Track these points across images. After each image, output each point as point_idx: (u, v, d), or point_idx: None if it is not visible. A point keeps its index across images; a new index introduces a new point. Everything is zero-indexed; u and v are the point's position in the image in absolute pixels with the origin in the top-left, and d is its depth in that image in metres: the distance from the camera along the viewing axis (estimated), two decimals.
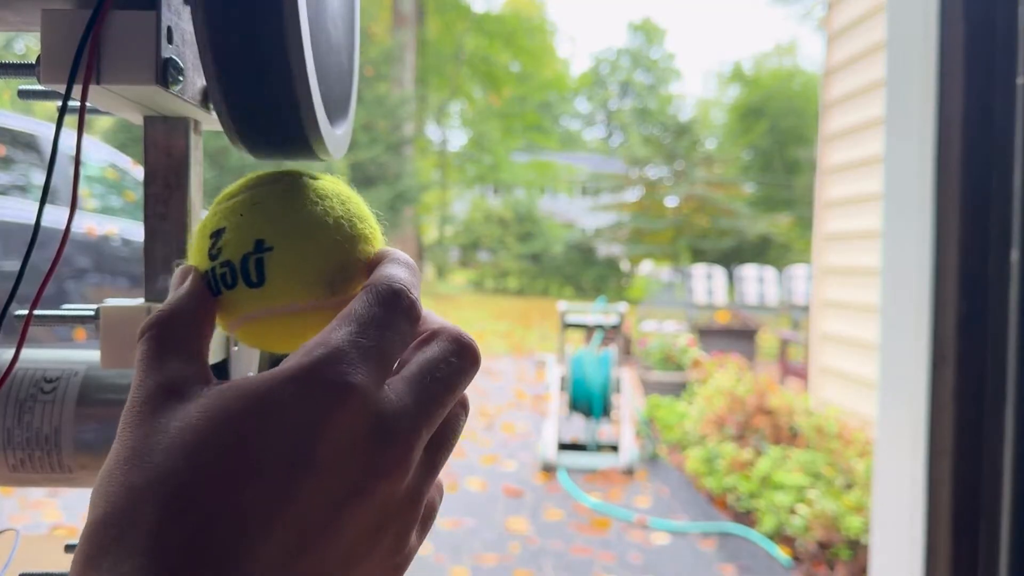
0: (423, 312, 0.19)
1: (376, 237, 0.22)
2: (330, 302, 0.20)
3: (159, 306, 0.19)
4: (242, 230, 0.20)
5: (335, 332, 0.17)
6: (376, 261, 0.20)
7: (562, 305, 3.14)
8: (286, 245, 0.19)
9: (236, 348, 0.32)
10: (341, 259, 0.20)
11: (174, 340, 0.18)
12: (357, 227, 0.21)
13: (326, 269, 0.20)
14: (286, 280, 0.19)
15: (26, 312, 0.28)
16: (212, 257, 0.20)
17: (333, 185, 0.22)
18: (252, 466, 0.15)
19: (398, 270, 0.19)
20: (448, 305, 10.53)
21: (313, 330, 0.18)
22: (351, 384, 0.16)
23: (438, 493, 0.20)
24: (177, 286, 0.20)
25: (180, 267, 0.21)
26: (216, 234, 0.20)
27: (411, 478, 0.17)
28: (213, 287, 0.20)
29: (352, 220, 0.21)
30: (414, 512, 0.18)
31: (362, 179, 9.56)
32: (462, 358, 0.19)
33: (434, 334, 0.19)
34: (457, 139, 18.65)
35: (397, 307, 0.18)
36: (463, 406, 0.20)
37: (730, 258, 12.03)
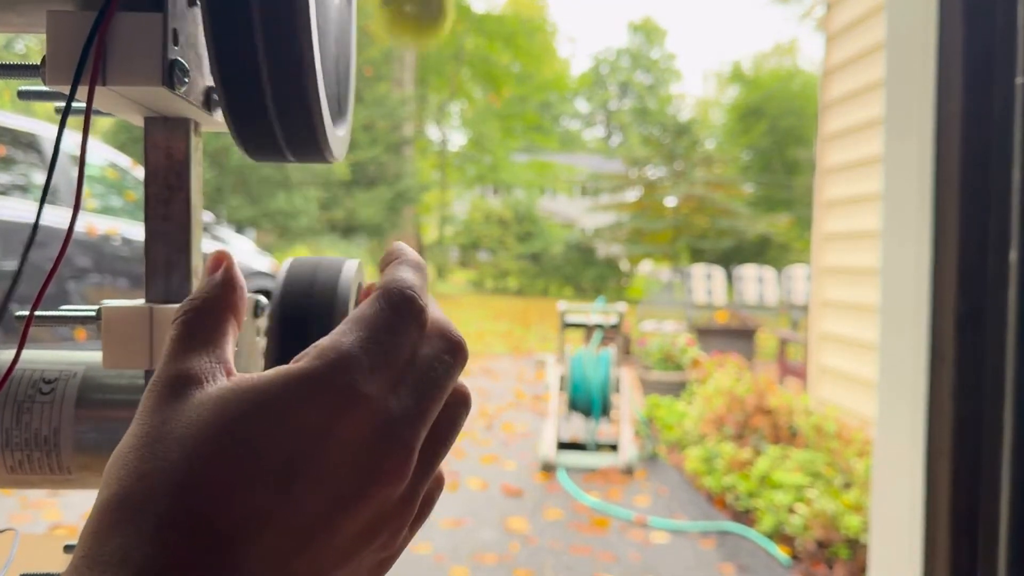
0: None
1: None
2: None
3: (193, 294, 0.20)
4: None
5: (346, 336, 0.17)
6: (387, 259, 0.20)
7: (562, 305, 3.14)
8: None
9: (235, 349, 0.32)
10: None
11: (201, 328, 0.19)
12: None
13: None
14: None
15: (27, 313, 0.28)
16: None
17: None
18: (251, 469, 0.15)
19: (408, 273, 0.19)
20: (448, 305, 10.52)
21: None
22: (360, 392, 0.16)
23: (437, 486, 0.20)
24: (210, 272, 0.20)
25: (214, 253, 0.21)
26: None
27: (409, 480, 0.18)
28: None
29: None
30: (409, 511, 0.18)
31: (363, 179, 9.55)
32: (452, 355, 0.19)
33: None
34: (457, 139, 18.64)
35: (408, 313, 0.18)
36: (464, 402, 0.20)
37: (729, 258, 12.03)
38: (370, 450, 0.16)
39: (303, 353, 0.17)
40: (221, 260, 0.20)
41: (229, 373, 0.18)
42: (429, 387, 0.18)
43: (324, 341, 0.17)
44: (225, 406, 0.16)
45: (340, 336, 0.17)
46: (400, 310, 0.18)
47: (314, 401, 0.16)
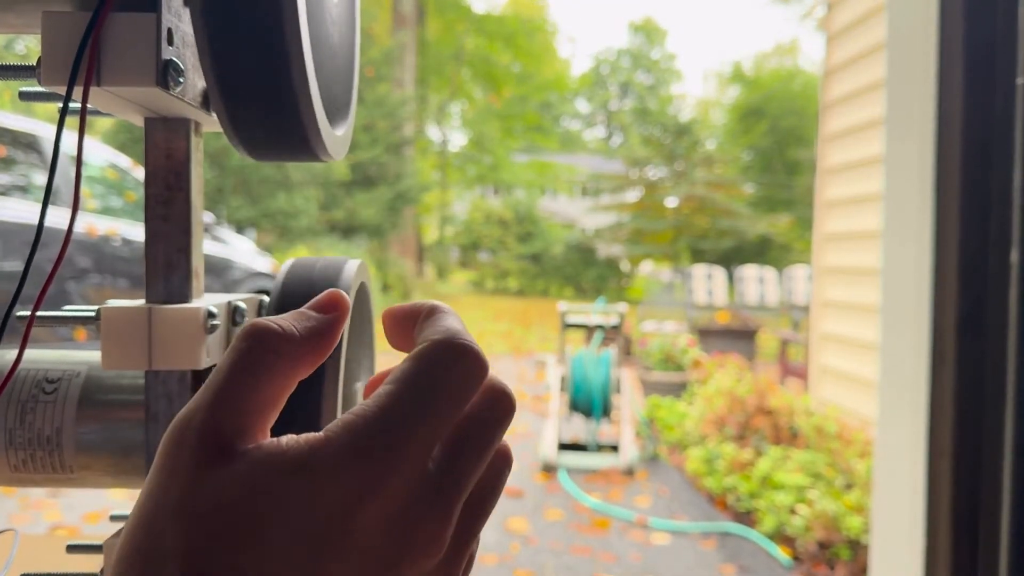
0: None
1: None
2: None
3: (276, 318, 0.17)
4: None
5: (389, 397, 0.16)
6: (414, 315, 0.19)
7: (562, 305, 3.14)
8: None
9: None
10: None
11: (262, 368, 0.16)
12: None
13: None
14: None
15: (28, 313, 0.28)
16: None
17: None
18: (276, 542, 0.15)
19: (459, 325, 0.18)
20: (449, 305, 10.50)
21: None
22: (398, 460, 0.15)
23: (476, 543, 0.19)
24: (317, 308, 0.18)
25: (334, 292, 0.18)
26: None
27: (448, 547, 0.17)
28: None
29: None
30: None
31: (363, 180, 9.55)
32: (497, 410, 0.17)
33: None
34: (457, 139, 18.64)
35: (471, 367, 0.17)
36: (506, 460, 0.18)
37: (730, 258, 12.01)
38: (404, 519, 0.15)
39: (340, 419, 0.16)
40: (336, 304, 0.18)
41: (262, 433, 0.16)
42: (473, 448, 0.17)
43: (366, 402, 0.16)
44: (252, 476, 0.15)
45: (383, 397, 0.16)
46: (463, 364, 0.17)
47: (345, 471, 0.15)
